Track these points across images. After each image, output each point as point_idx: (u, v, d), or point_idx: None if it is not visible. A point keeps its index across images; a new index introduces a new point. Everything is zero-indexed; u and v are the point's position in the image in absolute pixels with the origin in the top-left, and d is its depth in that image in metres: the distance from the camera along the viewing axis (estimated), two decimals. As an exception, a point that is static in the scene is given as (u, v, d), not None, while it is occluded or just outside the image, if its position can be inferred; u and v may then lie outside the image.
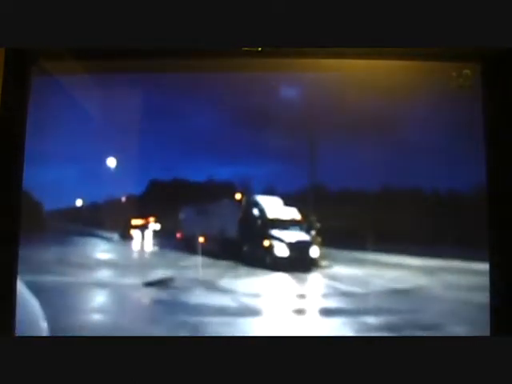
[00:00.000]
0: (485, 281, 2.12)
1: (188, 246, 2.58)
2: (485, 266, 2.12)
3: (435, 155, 2.04)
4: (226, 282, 2.16)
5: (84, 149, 2.19)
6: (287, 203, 2.55)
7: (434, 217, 2.17)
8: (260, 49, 1.39)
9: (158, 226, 2.65)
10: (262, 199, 2.59)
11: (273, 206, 2.55)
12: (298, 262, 2.44)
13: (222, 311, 2.01)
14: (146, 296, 2.11)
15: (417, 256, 2.32)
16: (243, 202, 2.60)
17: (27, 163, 1.80)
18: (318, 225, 2.43)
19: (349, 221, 2.27)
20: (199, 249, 2.48)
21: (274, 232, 2.53)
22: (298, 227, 2.52)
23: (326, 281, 2.27)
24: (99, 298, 2.06)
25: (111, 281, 2.12)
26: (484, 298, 1.99)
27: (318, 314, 2.13)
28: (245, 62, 1.56)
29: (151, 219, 2.64)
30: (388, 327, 1.96)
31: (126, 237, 2.62)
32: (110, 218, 2.52)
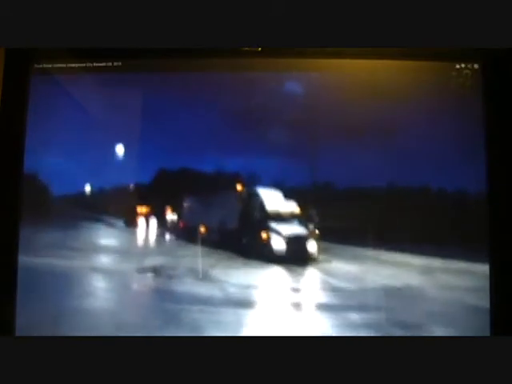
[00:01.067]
0: (482, 283, 2.07)
1: (189, 236, 2.62)
2: (484, 268, 2.08)
3: (435, 155, 2.02)
4: (218, 273, 2.18)
5: (94, 140, 2.29)
6: (288, 197, 2.54)
7: (437, 217, 2.15)
8: (260, 49, 1.41)
9: (162, 215, 2.69)
10: (262, 192, 2.59)
11: (272, 199, 2.55)
12: (295, 256, 2.43)
13: (206, 300, 2.05)
14: (136, 282, 2.16)
15: (418, 255, 2.29)
16: (244, 194, 2.61)
17: (36, 153, 1.89)
18: (318, 219, 2.42)
19: (350, 217, 2.26)
20: (199, 238, 2.52)
21: (272, 225, 2.53)
22: (296, 221, 2.51)
23: (320, 275, 2.26)
24: (89, 282, 2.13)
25: (106, 266, 2.19)
26: (477, 300, 1.96)
27: (302, 309, 2.13)
28: (245, 62, 1.58)
29: (156, 207, 2.69)
30: (369, 324, 1.95)
31: (131, 224, 2.68)
32: (116, 205, 2.60)
